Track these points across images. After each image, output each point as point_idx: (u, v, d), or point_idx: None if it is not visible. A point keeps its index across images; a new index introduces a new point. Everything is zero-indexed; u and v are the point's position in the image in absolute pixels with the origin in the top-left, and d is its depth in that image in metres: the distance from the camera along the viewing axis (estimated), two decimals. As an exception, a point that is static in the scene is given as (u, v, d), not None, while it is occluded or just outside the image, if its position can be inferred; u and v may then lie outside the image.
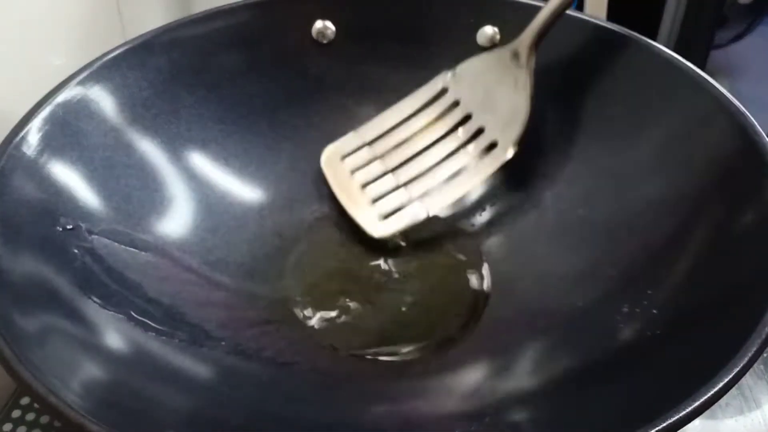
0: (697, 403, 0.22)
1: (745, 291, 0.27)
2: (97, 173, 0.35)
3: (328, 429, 0.30)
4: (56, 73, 0.35)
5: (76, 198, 0.33)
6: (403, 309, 0.36)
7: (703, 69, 0.34)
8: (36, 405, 0.34)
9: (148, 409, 0.27)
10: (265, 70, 0.41)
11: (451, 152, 0.38)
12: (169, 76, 0.38)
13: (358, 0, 0.42)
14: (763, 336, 0.24)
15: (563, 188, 0.38)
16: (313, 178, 0.41)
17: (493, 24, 0.40)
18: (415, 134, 0.39)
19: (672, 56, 0.35)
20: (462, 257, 0.38)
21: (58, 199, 0.32)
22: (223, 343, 0.33)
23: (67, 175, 0.33)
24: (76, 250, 0.32)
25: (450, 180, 0.37)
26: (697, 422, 0.23)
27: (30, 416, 0.34)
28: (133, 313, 0.31)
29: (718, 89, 0.33)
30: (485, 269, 0.37)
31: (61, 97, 0.34)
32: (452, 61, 0.42)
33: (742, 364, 0.23)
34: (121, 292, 0.32)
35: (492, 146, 0.37)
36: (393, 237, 0.37)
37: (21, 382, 0.23)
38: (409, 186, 0.38)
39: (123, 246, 0.34)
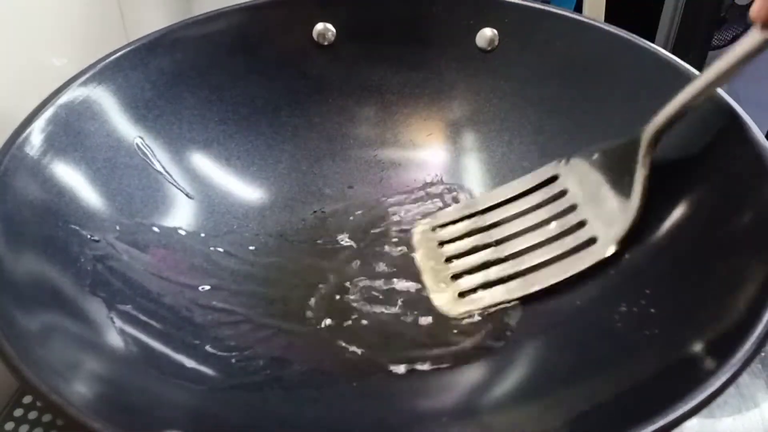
0: (694, 402, 0.22)
1: (742, 291, 0.27)
2: (100, 174, 0.35)
3: (328, 428, 0.30)
4: (59, 74, 0.35)
5: (79, 198, 0.33)
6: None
7: (700, 71, 0.34)
8: (38, 403, 0.34)
9: (150, 407, 0.28)
10: (266, 71, 0.41)
11: (547, 240, 0.36)
12: (171, 77, 0.39)
13: (359, 2, 0.42)
14: (761, 335, 0.24)
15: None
16: (314, 179, 0.41)
17: (493, 26, 0.40)
18: (515, 216, 0.38)
19: (670, 58, 0.36)
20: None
21: (61, 200, 0.32)
22: (225, 342, 0.33)
23: (69, 176, 0.33)
24: (78, 250, 0.32)
25: (540, 268, 0.35)
26: (694, 421, 0.24)
27: (32, 414, 0.34)
28: (135, 313, 0.32)
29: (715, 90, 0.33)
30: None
31: (63, 98, 0.34)
32: (452, 62, 0.42)
33: (739, 363, 0.23)
34: (123, 292, 0.32)
35: (591, 241, 0.34)
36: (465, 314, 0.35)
37: (23, 380, 0.24)
38: (497, 267, 0.36)
39: (125, 246, 0.34)
